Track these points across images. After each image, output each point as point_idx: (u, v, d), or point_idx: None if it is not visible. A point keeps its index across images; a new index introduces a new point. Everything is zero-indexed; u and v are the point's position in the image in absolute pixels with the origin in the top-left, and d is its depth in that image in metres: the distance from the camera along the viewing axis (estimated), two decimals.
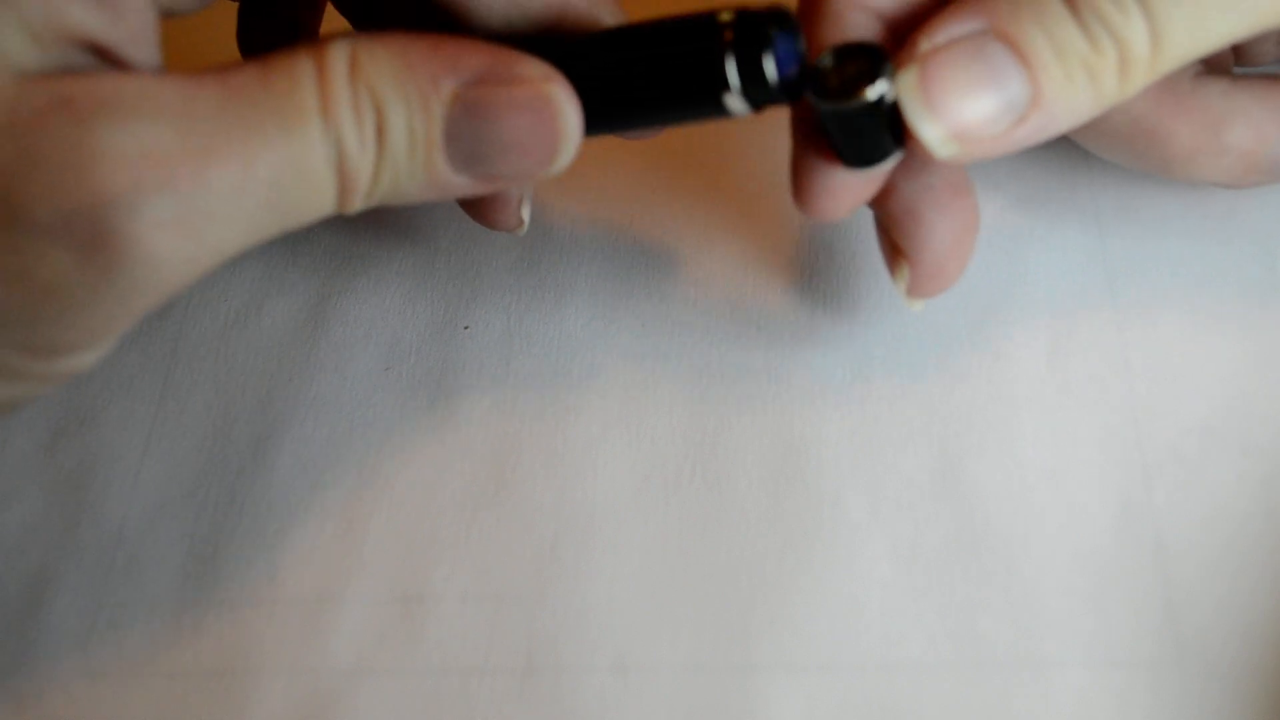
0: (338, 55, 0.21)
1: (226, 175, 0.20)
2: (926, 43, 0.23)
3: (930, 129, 0.23)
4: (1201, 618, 0.24)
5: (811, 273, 0.29)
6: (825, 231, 0.30)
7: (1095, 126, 0.25)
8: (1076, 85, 0.23)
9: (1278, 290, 0.28)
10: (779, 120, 0.31)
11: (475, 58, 0.22)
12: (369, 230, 0.32)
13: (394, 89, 0.22)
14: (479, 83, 0.22)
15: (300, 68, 0.21)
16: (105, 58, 0.21)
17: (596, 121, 0.24)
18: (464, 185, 0.23)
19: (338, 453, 0.28)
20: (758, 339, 0.29)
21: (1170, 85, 0.25)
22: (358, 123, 0.21)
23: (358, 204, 0.22)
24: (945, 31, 0.23)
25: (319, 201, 0.22)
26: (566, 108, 0.23)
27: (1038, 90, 0.23)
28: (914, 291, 0.26)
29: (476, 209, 0.29)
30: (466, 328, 0.30)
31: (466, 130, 0.22)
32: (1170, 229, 0.29)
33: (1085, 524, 0.25)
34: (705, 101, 0.23)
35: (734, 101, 0.23)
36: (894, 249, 0.27)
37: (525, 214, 0.28)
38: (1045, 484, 0.26)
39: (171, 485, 0.28)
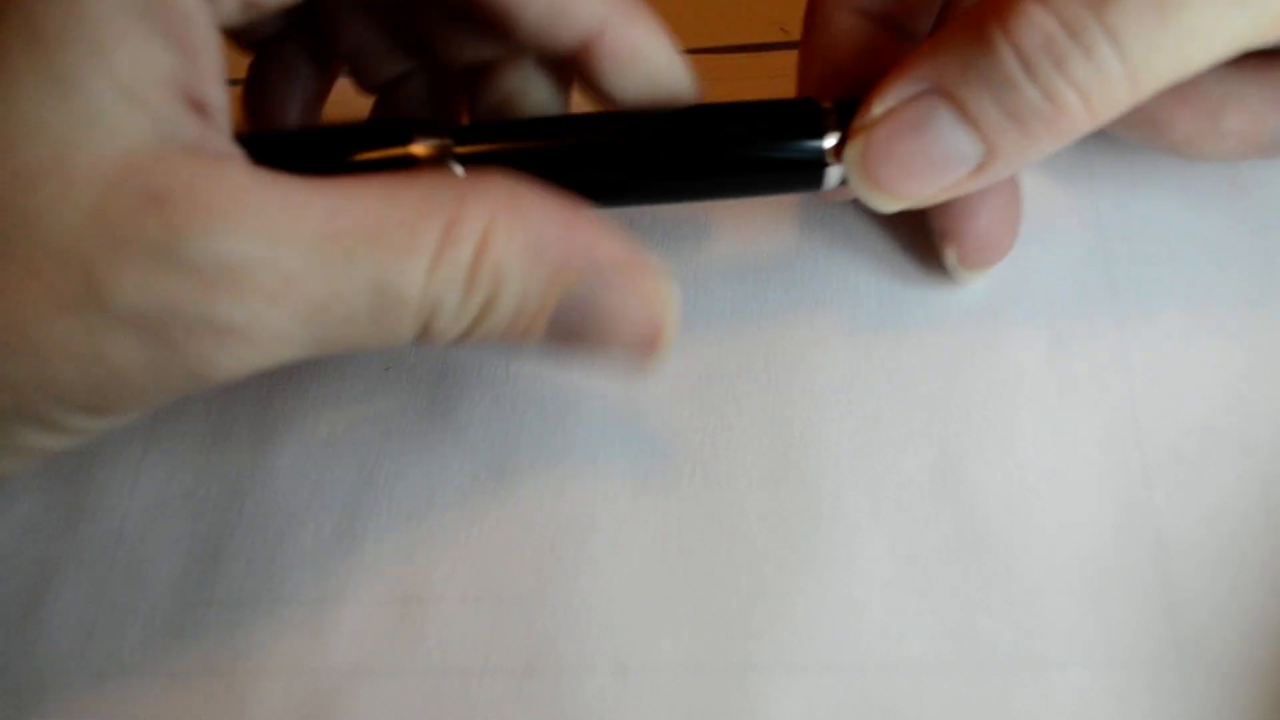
0: (470, 227, 0.21)
1: (304, 307, 0.20)
2: (878, 106, 0.23)
3: (876, 201, 0.24)
4: (1201, 618, 0.24)
5: (811, 272, 0.29)
6: (824, 231, 0.30)
7: None
8: (1033, 138, 0.23)
9: (1278, 290, 0.28)
10: None
11: (607, 245, 0.22)
12: None
13: (520, 270, 0.21)
14: (603, 269, 0.22)
15: (426, 227, 0.21)
16: (193, 105, 0.20)
17: (686, 190, 0.26)
18: (544, 347, 0.23)
19: (338, 453, 0.28)
20: (758, 338, 0.29)
21: None
22: (467, 293, 0.21)
23: (436, 347, 0.22)
24: (895, 92, 0.23)
25: (389, 342, 0.21)
26: (673, 314, 0.23)
27: (990, 147, 0.23)
28: (965, 263, 0.27)
29: None
30: None
31: (577, 313, 0.22)
32: (1170, 230, 0.29)
33: (1085, 524, 0.25)
34: (805, 177, 0.25)
35: (832, 176, 0.25)
36: (940, 230, 0.27)
37: None
38: (1045, 484, 0.26)
39: (171, 485, 0.28)
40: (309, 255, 0.20)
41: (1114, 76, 0.22)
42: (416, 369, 0.29)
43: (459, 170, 0.24)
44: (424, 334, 0.22)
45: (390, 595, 0.26)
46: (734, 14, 0.35)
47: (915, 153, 0.23)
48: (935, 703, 0.24)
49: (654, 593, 0.26)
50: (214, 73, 0.21)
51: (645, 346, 0.23)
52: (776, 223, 0.30)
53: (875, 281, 0.29)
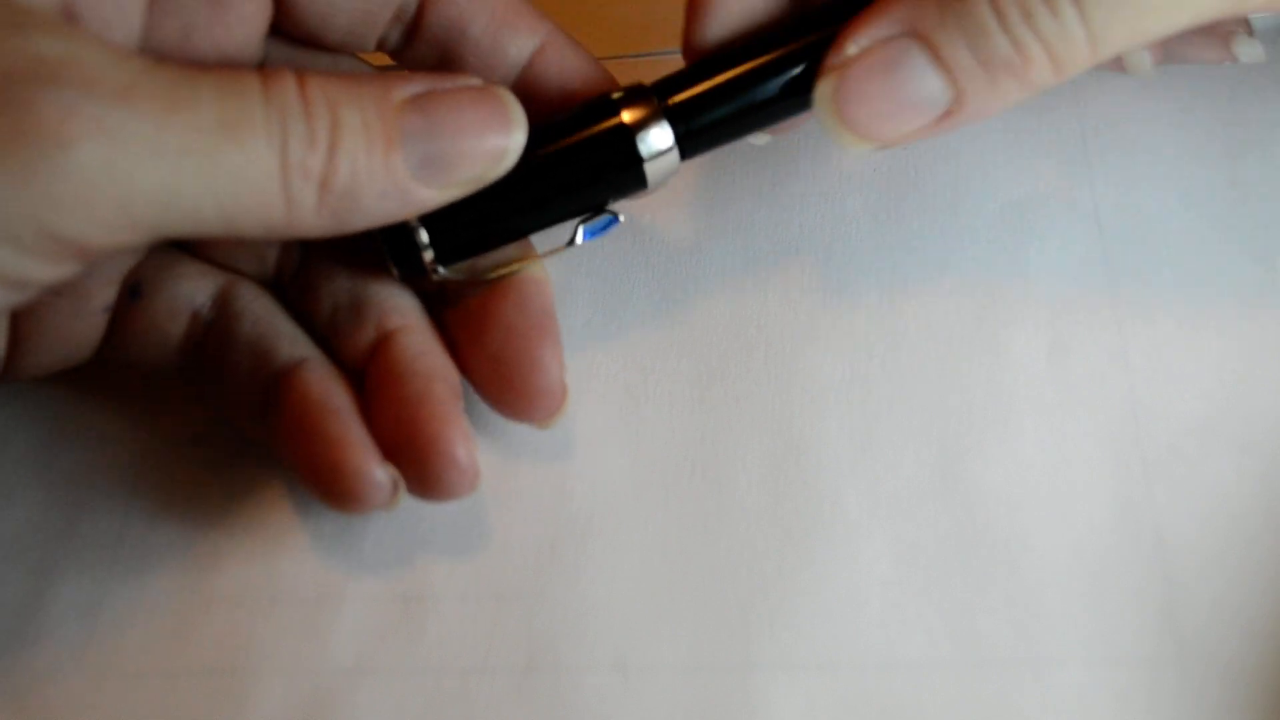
0: (282, 75, 0.22)
1: (153, 140, 0.20)
2: (853, 46, 0.24)
3: (843, 140, 0.24)
4: (1201, 616, 0.24)
5: (812, 272, 0.29)
6: (825, 231, 0.30)
7: None
8: (1001, 87, 0.23)
9: (1276, 289, 0.28)
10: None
11: (420, 77, 0.24)
12: None
13: (348, 93, 0.22)
14: (427, 82, 0.23)
15: (246, 80, 0.22)
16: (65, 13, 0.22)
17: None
18: (426, 196, 0.23)
19: None
20: (758, 339, 0.29)
21: None
22: (307, 116, 0.22)
23: (309, 202, 0.22)
24: (871, 33, 0.24)
25: (255, 178, 0.22)
26: (509, 95, 0.24)
27: (959, 93, 0.24)
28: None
29: (504, 389, 0.27)
30: None
31: (422, 126, 0.23)
32: (1170, 229, 0.29)
33: (1085, 523, 0.25)
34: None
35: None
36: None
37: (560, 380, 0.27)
38: (1045, 484, 0.26)
39: (171, 485, 0.28)
40: (164, 96, 0.21)
41: (1076, 38, 0.23)
42: None
43: (668, 133, 0.25)
44: (287, 164, 0.22)
45: (390, 594, 0.26)
46: None
47: (887, 94, 0.24)
48: (935, 702, 0.24)
49: (654, 593, 0.26)
50: None
51: (501, 138, 0.24)
52: (777, 222, 0.30)
53: (875, 281, 0.29)
